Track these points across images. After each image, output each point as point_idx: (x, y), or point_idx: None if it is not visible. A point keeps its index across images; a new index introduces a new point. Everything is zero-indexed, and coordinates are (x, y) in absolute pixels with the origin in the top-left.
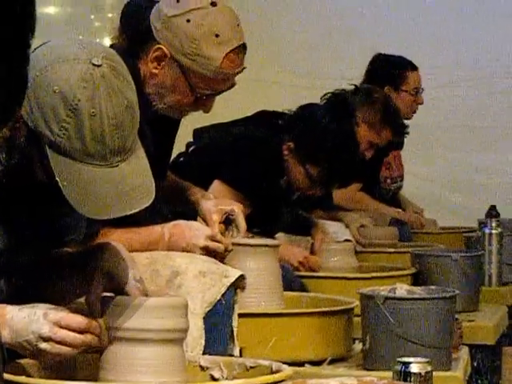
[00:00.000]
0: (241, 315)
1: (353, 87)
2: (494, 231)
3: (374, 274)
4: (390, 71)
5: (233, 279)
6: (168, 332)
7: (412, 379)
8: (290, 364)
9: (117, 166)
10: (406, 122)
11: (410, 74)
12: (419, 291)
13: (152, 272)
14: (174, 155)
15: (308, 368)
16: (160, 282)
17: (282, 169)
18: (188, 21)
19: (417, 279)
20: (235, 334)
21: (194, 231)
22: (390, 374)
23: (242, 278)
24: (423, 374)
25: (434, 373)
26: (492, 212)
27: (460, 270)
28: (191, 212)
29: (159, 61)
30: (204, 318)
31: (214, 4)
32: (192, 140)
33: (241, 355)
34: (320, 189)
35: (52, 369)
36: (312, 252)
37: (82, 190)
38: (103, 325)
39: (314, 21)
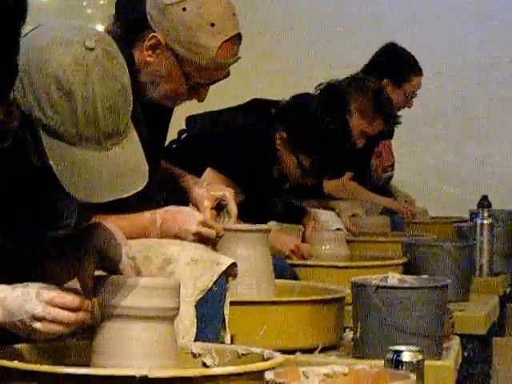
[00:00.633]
0: (232, 303)
1: (347, 77)
2: (485, 221)
3: (366, 263)
4: (396, 66)
5: (225, 267)
6: (160, 310)
7: (404, 367)
8: (281, 352)
9: (110, 149)
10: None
11: (413, 78)
12: (411, 280)
13: (144, 259)
14: (166, 143)
15: (299, 356)
16: (152, 269)
17: (274, 158)
18: (184, 9)
19: (408, 269)
20: (227, 322)
21: (186, 217)
22: (381, 362)
23: (233, 265)
24: (415, 362)
25: (425, 362)
26: (483, 202)
27: (451, 260)
28: (183, 199)
29: (154, 49)
30: (195, 305)
31: None
32: (184, 127)
33: (232, 343)
34: (312, 178)
35: (45, 355)
36: (303, 240)
37: (75, 173)
38: (96, 302)
39: (311, 9)
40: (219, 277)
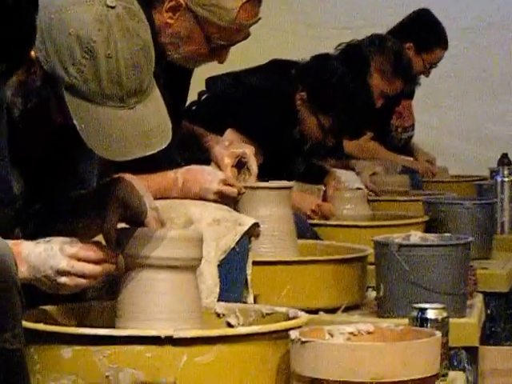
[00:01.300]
0: (255, 263)
1: (367, 37)
2: (506, 179)
3: (387, 222)
4: (424, 34)
5: (247, 227)
6: (184, 260)
7: (429, 325)
8: (304, 312)
9: (134, 107)
10: None
11: (437, 50)
12: (433, 238)
13: (166, 220)
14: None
15: (323, 315)
16: None
17: (294, 118)
18: None
19: (429, 227)
20: (249, 282)
21: (207, 176)
22: (404, 320)
23: (255, 225)
24: (440, 319)
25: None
26: (504, 160)
27: (472, 218)
28: (205, 158)
29: (174, 11)
30: (218, 265)
31: None
32: (204, 89)
33: (255, 303)
34: (332, 139)
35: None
36: (324, 200)
37: (99, 132)
38: (120, 253)
39: None
40: (241, 237)
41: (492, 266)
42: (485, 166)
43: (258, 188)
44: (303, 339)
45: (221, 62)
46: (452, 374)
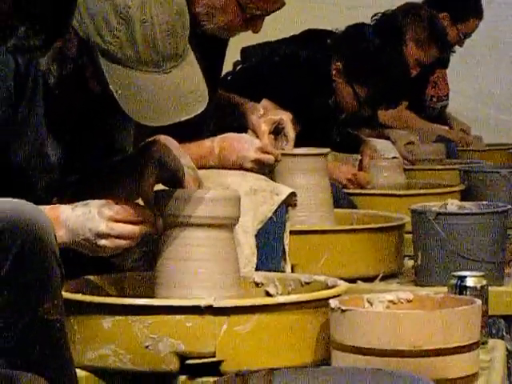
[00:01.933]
0: (292, 232)
1: (402, 6)
2: None
3: (424, 191)
4: (459, 4)
5: (284, 197)
6: (222, 219)
7: (468, 293)
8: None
9: (170, 72)
10: None
11: (472, 20)
12: (470, 206)
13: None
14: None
15: (361, 284)
16: None
17: (330, 88)
18: None
19: (465, 196)
20: (287, 252)
21: (244, 144)
22: (443, 289)
23: (292, 195)
24: (479, 287)
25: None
26: None
27: (509, 186)
28: (241, 126)
29: None
30: (256, 235)
31: None
32: (239, 59)
33: (292, 272)
34: (368, 109)
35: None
36: (360, 169)
37: (136, 97)
38: (158, 213)
39: None
40: (279, 206)
41: None
42: None
43: (295, 155)
44: (343, 308)
45: (256, 31)
46: (491, 341)
